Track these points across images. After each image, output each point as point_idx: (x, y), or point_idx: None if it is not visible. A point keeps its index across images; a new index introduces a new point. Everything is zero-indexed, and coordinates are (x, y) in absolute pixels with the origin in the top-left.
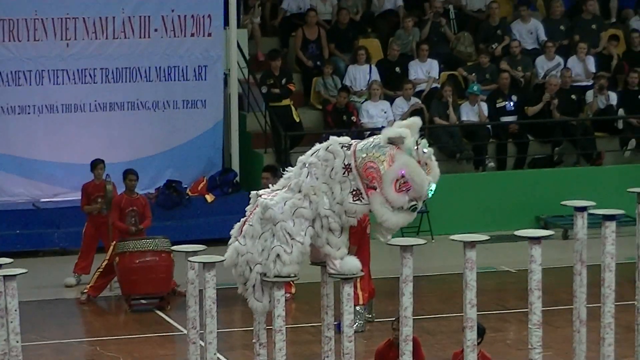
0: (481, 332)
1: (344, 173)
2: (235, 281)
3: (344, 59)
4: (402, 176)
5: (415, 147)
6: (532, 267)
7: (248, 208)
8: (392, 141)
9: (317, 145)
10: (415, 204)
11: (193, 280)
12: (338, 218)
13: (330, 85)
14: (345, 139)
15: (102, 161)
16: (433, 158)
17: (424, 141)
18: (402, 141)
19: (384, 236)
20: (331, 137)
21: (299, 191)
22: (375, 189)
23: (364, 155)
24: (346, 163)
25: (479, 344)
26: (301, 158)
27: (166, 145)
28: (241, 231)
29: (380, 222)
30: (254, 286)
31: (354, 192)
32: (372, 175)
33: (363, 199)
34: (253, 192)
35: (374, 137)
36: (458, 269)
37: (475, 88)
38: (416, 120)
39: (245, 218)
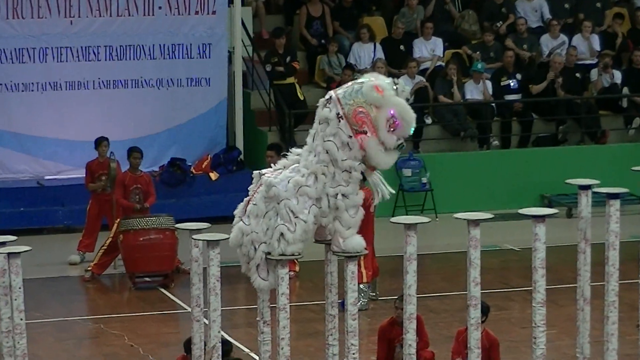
0: (485, 311)
1: (338, 122)
2: (238, 260)
3: (348, 37)
4: (392, 116)
5: (395, 87)
6: (536, 245)
7: (251, 187)
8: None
9: (311, 130)
10: (402, 142)
11: (197, 258)
12: (345, 197)
13: (334, 63)
14: (321, 100)
15: (106, 139)
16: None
17: (402, 80)
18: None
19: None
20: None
21: (306, 169)
22: (365, 133)
23: (351, 102)
24: (337, 113)
25: (483, 322)
26: (306, 148)
27: (170, 123)
28: (245, 211)
29: (375, 164)
30: (258, 265)
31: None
32: (362, 120)
33: (352, 147)
34: (255, 172)
35: (353, 82)
36: (462, 248)
37: (479, 66)
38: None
39: (248, 197)
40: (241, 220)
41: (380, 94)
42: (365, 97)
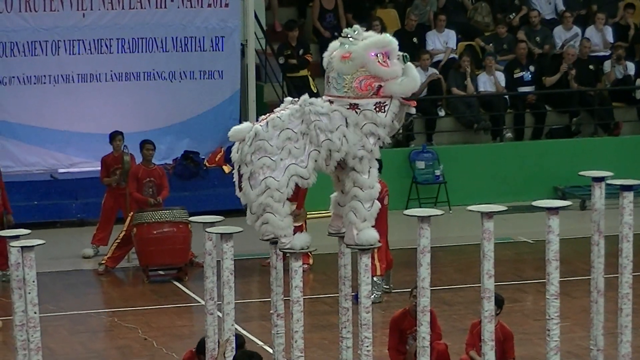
0: (500, 303)
1: (357, 111)
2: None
3: None
4: (375, 55)
5: (346, 36)
6: (550, 237)
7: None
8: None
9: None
10: (403, 54)
11: (210, 251)
12: (362, 189)
13: None
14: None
15: (121, 133)
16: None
17: (348, 29)
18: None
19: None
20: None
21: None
22: (380, 87)
23: (344, 85)
24: (349, 104)
25: (497, 314)
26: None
27: (183, 116)
28: (266, 120)
29: (410, 91)
30: (251, 173)
31: (376, 106)
32: (367, 83)
33: (385, 104)
34: (289, 98)
35: (327, 74)
36: (475, 240)
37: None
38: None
39: (271, 114)
40: (259, 124)
41: (348, 58)
42: (347, 71)
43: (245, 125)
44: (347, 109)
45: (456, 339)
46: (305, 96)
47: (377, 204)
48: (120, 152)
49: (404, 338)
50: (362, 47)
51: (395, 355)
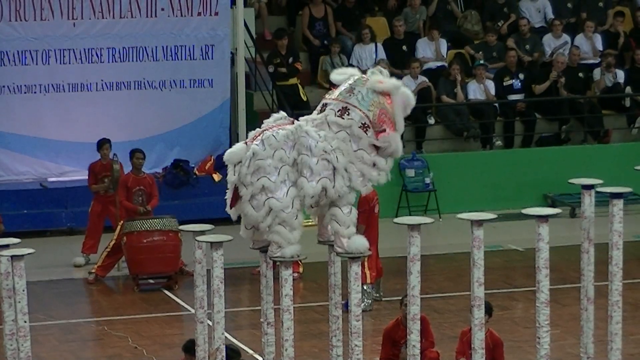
0: (489, 310)
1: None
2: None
3: (351, 37)
4: (403, 103)
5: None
6: (540, 245)
7: (268, 121)
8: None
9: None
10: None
11: (200, 259)
12: (341, 197)
13: (337, 63)
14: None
15: (108, 141)
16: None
17: (373, 69)
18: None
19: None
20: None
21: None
22: (384, 131)
23: (371, 107)
24: (362, 123)
25: (486, 322)
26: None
27: (173, 125)
28: (259, 136)
29: (395, 154)
30: (252, 195)
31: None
32: (383, 120)
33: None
34: (282, 113)
35: (350, 86)
36: (465, 248)
37: (481, 61)
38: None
39: (265, 127)
40: (254, 142)
41: (383, 84)
42: (377, 98)
43: (239, 146)
44: (363, 125)
45: (446, 347)
46: (302, 123)
47: (355, 210)
48: (109, 160)
49: (398, 348)
50: (400, 88)
51: None
